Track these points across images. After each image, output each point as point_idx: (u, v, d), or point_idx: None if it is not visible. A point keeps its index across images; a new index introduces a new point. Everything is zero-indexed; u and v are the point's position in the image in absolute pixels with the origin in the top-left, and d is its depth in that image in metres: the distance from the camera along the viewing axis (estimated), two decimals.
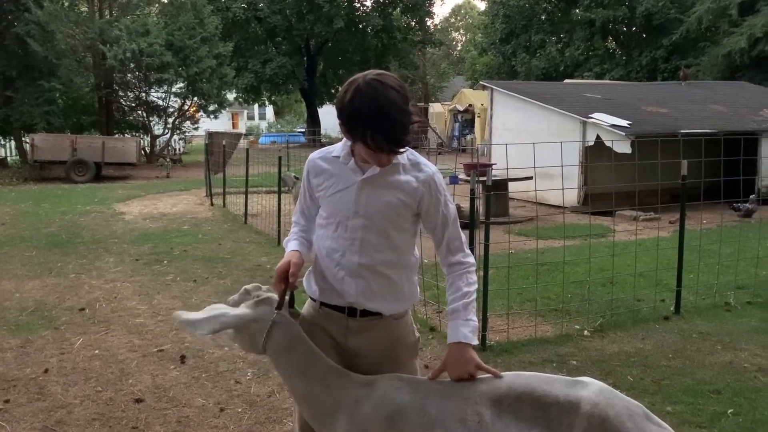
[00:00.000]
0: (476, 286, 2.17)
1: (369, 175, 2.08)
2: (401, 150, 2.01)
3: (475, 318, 2.12)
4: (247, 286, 2.20)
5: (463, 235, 2.21)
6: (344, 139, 2.13)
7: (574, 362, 4.49)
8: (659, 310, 5.61)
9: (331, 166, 2.15)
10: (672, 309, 5.60)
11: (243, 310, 2.12)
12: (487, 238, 4.87)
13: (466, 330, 2.08)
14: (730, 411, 3.73)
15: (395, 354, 2.20)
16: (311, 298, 2.26)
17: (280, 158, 9.06)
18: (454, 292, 2.14)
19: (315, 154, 2.23)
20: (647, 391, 4.04)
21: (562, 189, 7.07)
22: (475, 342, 2.09)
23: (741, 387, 4.07)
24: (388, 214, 2.11)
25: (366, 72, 2.01)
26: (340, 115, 2.00)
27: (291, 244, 2.25)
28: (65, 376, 4.33)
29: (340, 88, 2.07)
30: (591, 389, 1.94)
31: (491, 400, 1.96)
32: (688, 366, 4.43)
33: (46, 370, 4.40)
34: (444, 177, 2.28)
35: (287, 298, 2.15)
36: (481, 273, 4.83)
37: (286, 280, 2.12)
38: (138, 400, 3.96)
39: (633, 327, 5.23)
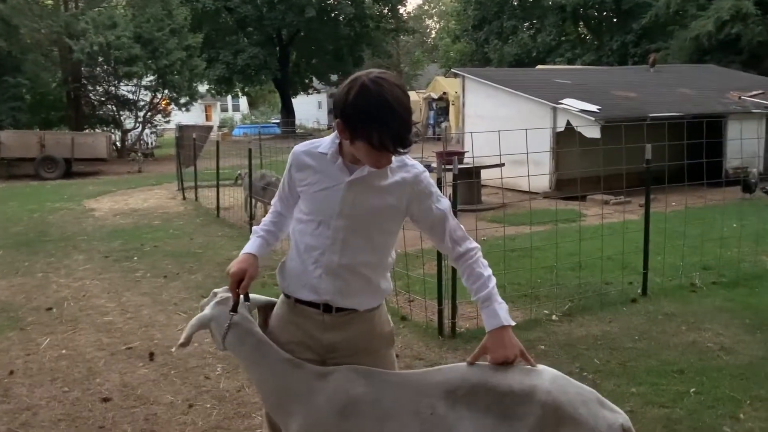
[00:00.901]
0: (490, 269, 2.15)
1: (357, 176, 2.04)
2: (405, 151, 1.96)
3: (501, 299, 2.10)
4: (216, 290, 2.26)
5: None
6: (332, 136, 2.08)
7: (543, 347, 4.54)
8: (627, 292, 5.70)
9: (317, 162, 2.09)
10: (639, 291, 5.69)
11: (205, 311, 2.22)
12: None
13: (503, 312, 2.07)
14: (692, 390, 3.81)
15: (371, 346, 2.20)
16: (285, 294, 2.23)
17: (250, 150, 8.99)
18: (477, 279, 2.11)
19: (300, 147, 2.17)
20: (613, 373, 4.10)
21: (528, 175, 7.11)
22: (513, 323, 2.08)
23: (704, 366, 4.16)
24: (374, 218, 2.09)
25: (368, 71, 1.96)
26: (342, 113, 1.93)
27: (252, 245, 2.23)
28: (31, 377, 4.27)
29: (339, 86, 2.01)
30: (544, 377, 1.96)
31: (445, 392, 1.98)
32: (653, 347, 4.51)
33: (11, 372, 4.34)
34: None
35: (241, 298, 2.20)
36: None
37: (238, 285, 2.14)
38: (105, 399, 3.92)
39: (601, 310, 5.30)
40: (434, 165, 9.83)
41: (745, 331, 4.74)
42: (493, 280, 2.12)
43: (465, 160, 11.73)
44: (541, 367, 2.03)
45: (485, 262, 2.16)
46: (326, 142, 2.10)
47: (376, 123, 1.87)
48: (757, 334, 4.68)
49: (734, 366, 4.14)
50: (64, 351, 4.72)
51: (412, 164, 2.12)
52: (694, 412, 3.54)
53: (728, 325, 4.87)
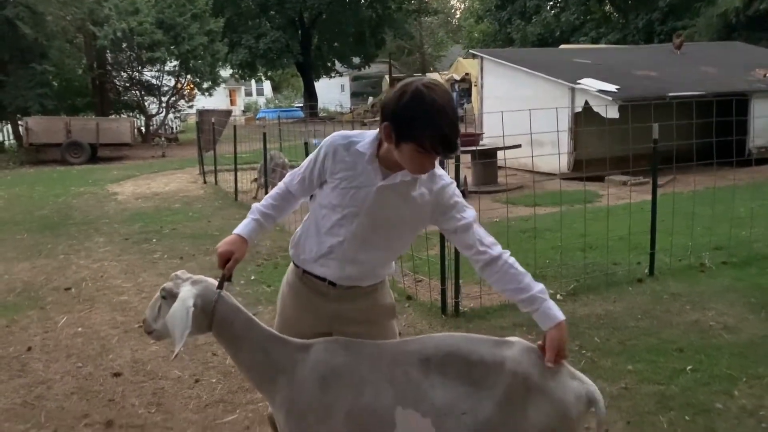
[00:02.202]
0: None
1: (388, 182, 2.10)
2: (453, 154, 2.03)
3: None
4: (177, 272, 2.27)
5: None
6: (373, 136, 2.12)
7: None
8: (634, 273, 5.69)
9: (353, 159, 2.12)
10: (646, 271, 5.68)
11: (186, 290, 2.17)
12: None
13: (557, 309, 2.11)
14: (689, 368, 3.83)
15: (374, 315, 2.33)
16: (295, 264, 2.35)
17: (264, 134, 9.09)
18: (520, 281, 2.11)
19: (339, 140, 2.17)
20: (612, 351, 4.13)
21: (531, 155, 7.10)
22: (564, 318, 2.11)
23: (704, 344, 4.17)
24: (397, 224, 2.18)
25: (419, 77, 2.03)
26: (394, 115, 1.96)
27: (246, 227, 2.28)
28: (47, 353, 4.45)
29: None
30: (515, 349, 2.03)
31: (419, 360, 2.06)
32: (654, 326, 4.52)
33: (29, 348, 4.53)
34: None
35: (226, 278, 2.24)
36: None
37: (224, 265, 2.21)
38: (116, 374, 4.08)
39: (606, 290, 5.31)
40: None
41: (749, 311, 4.72)
42: (539, 284, 2.13)
43: (482, 142, 11.74)
44: (513, 338, 2.10)
45: (518, 263, 2.16)
46: (366, 141, 2.12)
47: (429, 127, 1.93)
48: (761, 313, 4.66)
49: (734, 345, 4.14)
50: (80, 329, 4.90)
51: (440, 175, 2.17)
52: (688, 389, 3.57)
53: (733, 305, 4.85)
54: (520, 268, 2.15)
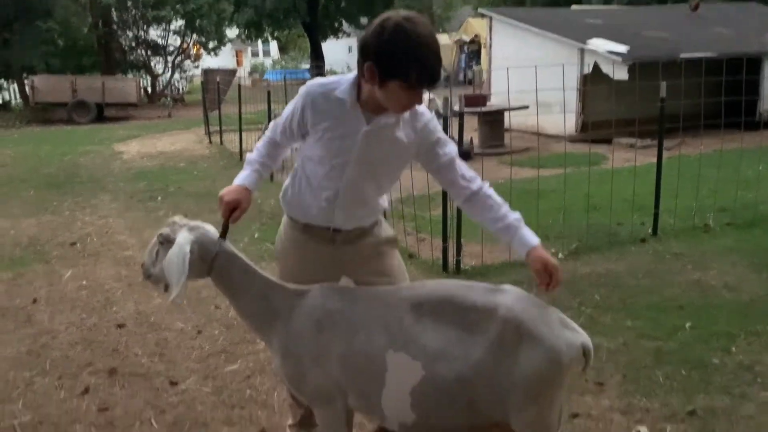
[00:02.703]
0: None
1: (373, 126, 2.09)
2: (435, 85, 1.99)
3: None
4: (174, 218, 2.27)
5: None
6: (350, 81, 2.07)
7: None
8: (637, 233, 5.68)
9: (333, 107, 2.08)
10: (650, 232, 5.66)
11: (183, 236, 2.16)
12: None
13: (532, 236, 2.14)
14: (688, 324, 3.84)
15: (380, 248, 2.37)
16: (291, 218, 2.35)
17: (269, 92, 9.03)
18: (497, 210, 2.17)
19: (316, 87, 2.13)
20: (612, 308, 4.15)
21: (536, 113, 7.02)
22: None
23: (704, 303, 4.17)
24: (386, 165, 2.19)
25: (395, 11, 1.96)
26: (376, 54, 1.91)
27: (248, 178, 2.26)
28: (52, 305, 4.51)
29: (368, 26, 1.99)
30: (508, 296, 2.03)
31: (412, 305, 2.07)
32: (655, 285, 4.53)
33: (35, 300, 4.59)
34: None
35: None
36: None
37: (230, 214, 2.19)
38: (120, 326, 4.14)
39: (608, 250, 5.31)
40: (456, 108, 9.77)
41: (751, 271, 4.71)
42: (507, 207, 2.18)
43: (489, 103, 11.62)
44: (507, 286, 2.10)
45: (496, 193, 2.20)
46: (344, 86, 2.07)
47: (414, 60, 1.90)
48: (763, 273, 4.65)
49: (734, 303, 4.15)
50: (84, 282, 4.95)
51: (421, 112, 2.15)
52: (686, 345, 3.59)
53: (736, 265, 4.84)
54: (498, 199, 2.19)
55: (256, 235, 6.13)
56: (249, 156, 2.35)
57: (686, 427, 2.84)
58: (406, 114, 2.09)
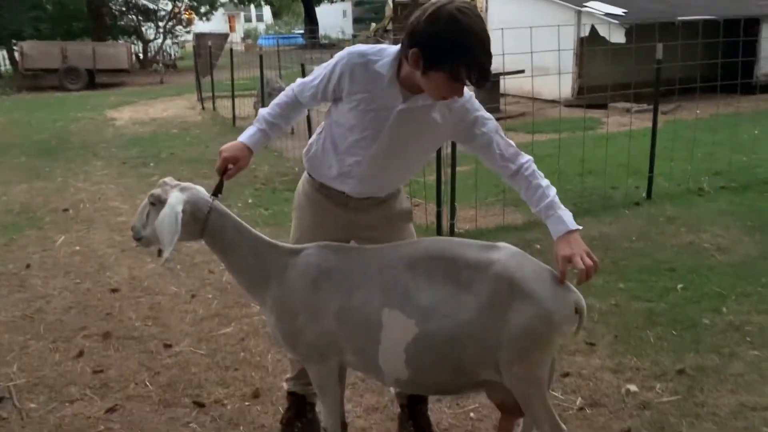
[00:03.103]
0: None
1: (409, 105, 2.03)
2: (486, 83, 1.91)
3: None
4: (165, 179, 2.21)
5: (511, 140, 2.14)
6: (392, 57, 2.00)
7: (538, 246, 4.60)
8: (631, 197, 5.68)
9: (372, 80, 2.03)
10: (644, 195, 5.66)
11: (175, 196, 2.12)
12: None
13: (569, 217, 2.04)
14: (680, 286, 3.86)
15: (392, 219, 2.33)
16: (310, 175, 2.32)
17: (261, 56, 8.91)
18: (536, 191, 2.08)
19: (356, 56, 2.05)
20: (604, 270, 4.15)
21: (532, 75, 6.96)
22: (579, 227, 2.04)
23: (696, 265, 4.19)
24: (416, 145, 2.14)
25: (449, 0, 1.85)
26: (424, 42, 1.85)
27: (252, 137, 2.20)
28: (46, 270, 4.51)
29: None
30: (503, 252, 2.02)
31: (407, 264, 2.06)
32: (648, 247, 4.54)
33: (28, 266, 4.58)
34: None
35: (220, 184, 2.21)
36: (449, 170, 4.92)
37: (226, 169, 2.17)
38: (114, 290, 4.14)
39: (602, 213, 5.31)
40: None
41: (744, 233, 4.72)
42: (553, 190, 2.08)
43: None
44: (502, 243, 2.09)
45: (541, 173, 2.11)
46: (385, 60, 2.01)
47: (464, 54, 1.83)
48: (756, 235, 4.66)
49: (726, 264, 4.17)
50: (77, 248, 4.94)
51: None
52: (677, 306, 3.61)
53: (729, 227, 4.85)
54: (538, 179, 2.09)
55: (249, 201, 6.11)
56: (261, 111, 2.26)
57: (675, 386, 2.87)
58: None
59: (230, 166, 2.16)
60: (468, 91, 2.06)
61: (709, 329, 3.35)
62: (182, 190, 2.16)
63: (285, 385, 2.67)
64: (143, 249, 4.83)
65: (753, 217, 5.02)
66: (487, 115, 2.12)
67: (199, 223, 2.15)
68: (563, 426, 2.19)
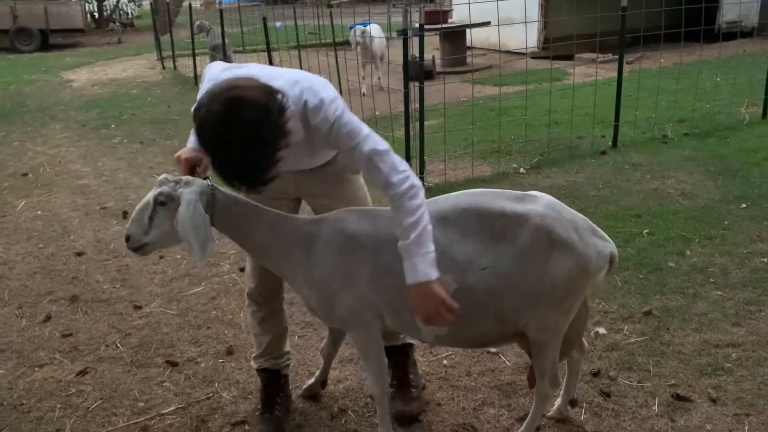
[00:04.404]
0: (421, 210, 1.84)
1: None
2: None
3: (430, 247, 1.85)
4: (160, 177, 2.00)
5: (389, 161, 1.87)
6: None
7: None
8: (597, 145, 5.73)
9: None
10: (610, 144, 5.71)
11: (188, 192, 1.92)
12: (420, 82, 4.82)
13: (423, 266, 1.84)
14: (645, 231, 3.93)
15: (344, 177, 2.27)
16: None
17: (221, 11, 8.66)
18: (398, 228, 1.87)
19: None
20: None
21: (498, 24, 6.91)
22: (435, 275, 1.84)
23: (661, 210, 4.27)
24: (309, 155, 2.11)
25: (223, 83, 1.73)
26: None
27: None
28: (7, 236, 4.39)
29: None
30: (540, 203, 1.99)
31: (437, 219, 1.97)
32: (614, 194, 4.60)
33: None
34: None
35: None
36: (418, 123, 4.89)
37: (191, 172, 2.00)
38: (79, 254, 4.06)
39: (569, 162, 5.35)
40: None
41: (707, 178, 4.81)
42: (417, 228, 1.83)
43: (451, 20, 11.35)
44: (537, 192, 2.06)
45: (412, 205, 1.84)
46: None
47: (214, 157, 1.78)
48: (719, 179, 4.76)
49: (690, 209, 4.25)
50: (39, 212, 4.82)
51: (315, 109, 1.88)
52: (643, 251, 3.68)
53: (692, 173, 4.93)
54: (406, 217, 1.84)
55: None
56: None
57: (642, 327, 2.95)
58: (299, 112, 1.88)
59: (197, 168, 2.00)
60: (328, 116, 1.87)
61: (674, 272, 3.43)
62: (187, 183, 1.96)
63: (253, 364, 2.55)
64: (107, 212, 4.73)
65: (715, 163, 5.11)
66: (360, 135, 1.88)
67: (208, 212, 1.97)
68: (561, 381, 2.25)
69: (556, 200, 2.03)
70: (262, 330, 2.47)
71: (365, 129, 1.90)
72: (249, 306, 2.48)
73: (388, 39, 9.51)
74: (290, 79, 1.91)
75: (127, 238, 1.98)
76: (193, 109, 1.81)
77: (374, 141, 1.89)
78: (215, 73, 2.05)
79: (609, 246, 2.03)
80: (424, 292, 1.85)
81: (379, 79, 8.95)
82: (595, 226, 2.05)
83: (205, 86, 2.01)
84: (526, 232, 1.93)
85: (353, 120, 1.90)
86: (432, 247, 1.86)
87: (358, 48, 8.79)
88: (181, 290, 3.54)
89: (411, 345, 2.59)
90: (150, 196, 1.94)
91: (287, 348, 2.55)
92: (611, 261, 2.04)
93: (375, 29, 8.91)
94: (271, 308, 2.45)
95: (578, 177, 5.00)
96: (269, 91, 1.76)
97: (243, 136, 1.68)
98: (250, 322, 2.52)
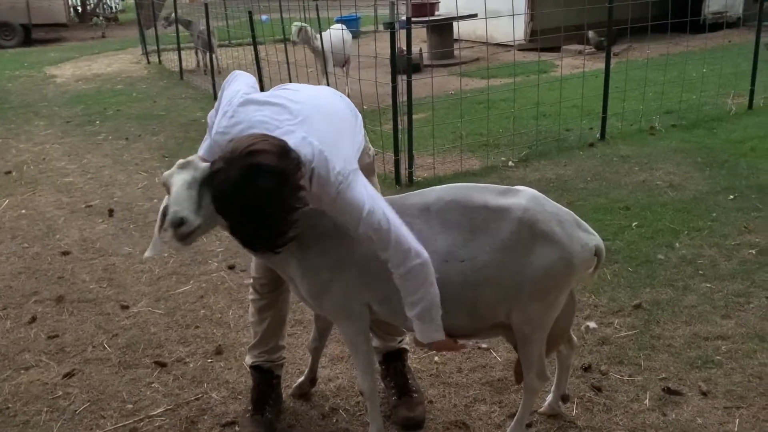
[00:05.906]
0: (422, 290, 1.88)
1: None
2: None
3: (436, 318, 1.92)
4: (181, 161, 1.93)
5: (390, 240, 1.86)
6: None
7: None
8: (585, 138, 5.72)
9: None
10: (598, 136, 5.72)
11: (195, 170, 1.88)
12: (407, 76, 4.78)
13: (429, 334, 1.97)
14: (635, 224, 3.94)
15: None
16: None
17: (206, 5, 8.57)
18: (403, 299, 1.95)
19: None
20: None
21: (485, 17, 6.87)
22: (441, 338, 1.97)
23: (650, 202, 4.27)
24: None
25: (243, 144, 1.72)
26: None
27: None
28: None
29: None
30: (523, 196, 1.99)
31: (420, 210, 2.01)
32: (603, 187, 4.60)
33: None
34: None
35: None
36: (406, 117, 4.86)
37: None
38: (65, 253, 4.00)
39: (557, 155, 5.35)
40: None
41: (695, 169, 4.82)
42: (417, 308, 1.91)
43: (438, 12, 11.30)
44: (521, 187, 2.06)
45: (412, 286, 1.90)
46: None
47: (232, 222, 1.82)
48: (706, 171, 4.77)
49: (678, 201, 4.26)
50: (23, 211, 4.75)
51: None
52: (632, 243, 3.69)
53: (680, 164, 4.95)
54: (409, 295, 1.92)
55: None
56: (211, 116, 2.12)
57: (632, 320, 2.95)
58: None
59: None
60: (344, 202, 1.87)
61: (663, 264, 3.43)
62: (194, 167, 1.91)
63: (247, 358, 2.52)
64: (93, 211, 4.67)
65: (703, 154, 5.13)
66: (361, 223, 1.87)
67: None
68: (549, 375, 2.24)
69: (540, 194, 2.03)
70: (260, 317, 2.44)
71: (368, 205, 1.85)
72: (251, 294, 2.47)
73: (374, 33, 9.42)
74: (301, 137, 1.86)
75: (180, 222, 1.77)
76: (211, 169, 1.80)
77: (376, 219, 1.85)
78: (233, 95, 2.01)
79: (594, 239, 2.02)
80: (432, 345, 2.03)
81: (347, 86, 7.81)
82: (580, 219, 2.05)
83: (222, 115, 1.97)
84: (508, 225, 1.94)
85: (357, 195, 1.85)
86: (438, 318, 1.93)
87: (305, 47, 7.94)
88: (169, 289, 3.50)
89: (406, 351, 2.58)
90: (181, 180, 1.82)
91: (282, 343, 2.52)
92: (599, 255, 2.03)
93: (336, 34, 8.05)
94: (273, 298, 2.43)
95: (567, 170, 4.99)
96: (285, 153, 1.76)
97: (260, 204, 1.70)
98: (250, 310, 2.51)
